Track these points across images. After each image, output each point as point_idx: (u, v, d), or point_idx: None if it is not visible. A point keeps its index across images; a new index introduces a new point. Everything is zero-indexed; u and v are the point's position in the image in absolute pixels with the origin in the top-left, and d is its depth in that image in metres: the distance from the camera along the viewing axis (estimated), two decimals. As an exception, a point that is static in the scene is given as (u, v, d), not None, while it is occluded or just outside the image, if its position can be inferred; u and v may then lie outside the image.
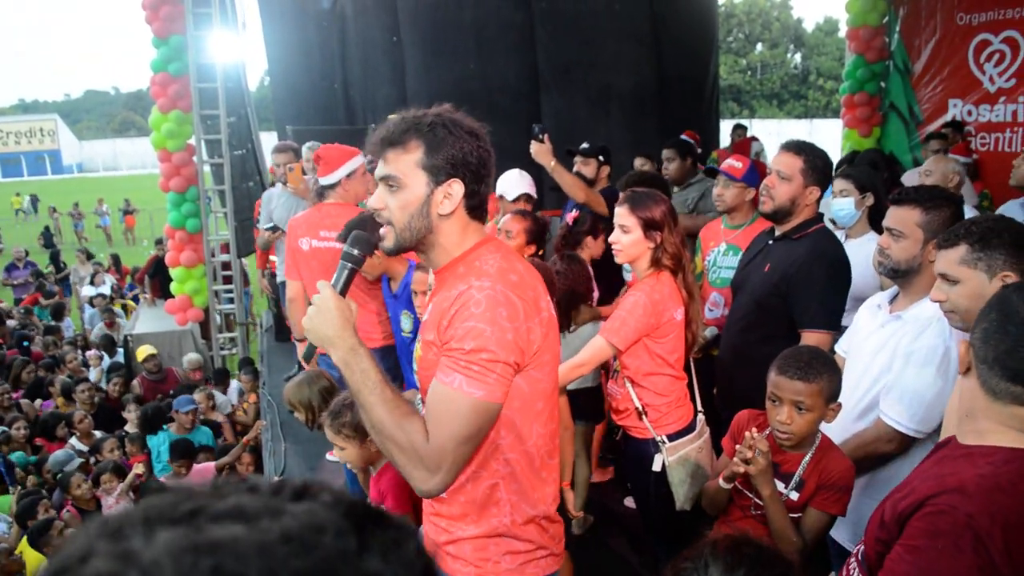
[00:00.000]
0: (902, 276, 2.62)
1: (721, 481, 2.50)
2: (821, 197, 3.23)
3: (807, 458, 2.44)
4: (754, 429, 2.45)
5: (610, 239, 3.10)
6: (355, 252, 1.89)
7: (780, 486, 2.43)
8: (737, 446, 2.40)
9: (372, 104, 9.51)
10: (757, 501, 2.44)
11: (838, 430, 2.66)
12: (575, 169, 5.25)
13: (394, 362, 4.03)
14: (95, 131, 74.62)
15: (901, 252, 2.58)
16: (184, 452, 6.05)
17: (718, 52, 10.85)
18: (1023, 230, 2.19)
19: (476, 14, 8.92)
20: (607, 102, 9.13)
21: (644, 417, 3.03)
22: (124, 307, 12.36)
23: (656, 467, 3.02)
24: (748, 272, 3.41)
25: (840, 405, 2.45)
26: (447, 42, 8.86)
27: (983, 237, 2.15)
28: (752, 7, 50.89)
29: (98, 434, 7.08)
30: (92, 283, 13.52)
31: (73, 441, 6.98)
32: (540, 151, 4.68)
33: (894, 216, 2.65)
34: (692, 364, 3.21)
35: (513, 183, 4.86)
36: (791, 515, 2.41)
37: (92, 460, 6.52)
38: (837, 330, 3.14)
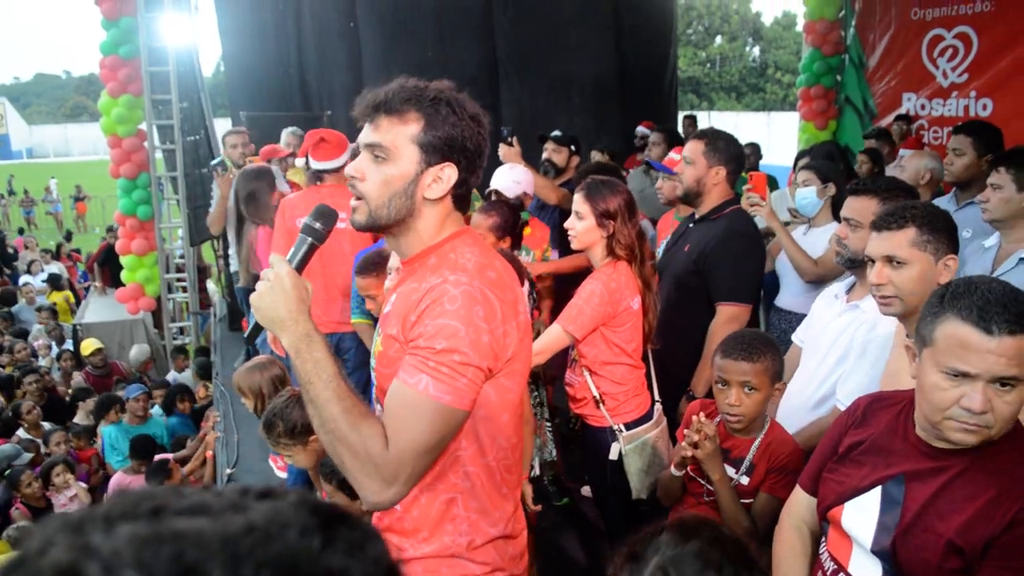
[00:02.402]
0: (860, 266, 2.62)
1: (672, 468, 2.53)
2: (733, 178, 3.40)
3: (756, 442, 2.48)
4: (701, 414, 2.48)
5: (566, 224, 3.11)
6: (317, 225, 1.71)
7: (731, 471, 2.47)
8: (685, 431, 2.44)
9: (328, 90, 9.39)
10: (709, 488, 2.47)
11: (794, 419, 2.67)
12: (545, 156, 5.23)
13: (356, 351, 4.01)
14: (45, 115, 72.76)
15: (859, 242, 2.59)
16: (143, 450, 5.84)
17: (677, 44, 10.90)
18: (951, 218, 2.25)
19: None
20: (568, 91, 9.13)
21: (601, 405, 3.04)
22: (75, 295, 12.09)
23: (613, 455, 3.04)
24: (671, 255, 3.53)
25: (785, 385, 2.53)
26: (405, 28, 8.77)
27: (930, 220, 2.18)
28: (712, 0, 51.24)
29: (47, 426, 6.89)
30: (29, 271, 13.21)
31: (21, 433, 6.80)
32: (509, 154, 4.64)
33: (852, 206, 2.67)
34: (650, 353, 3.22)
35: (512, 179, 4.38)
36: (743, 500, 2.44)
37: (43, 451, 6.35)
38: (752, 303, 3.32)
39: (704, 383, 3.28)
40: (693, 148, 3.40)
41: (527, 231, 4.20)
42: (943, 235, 2.17)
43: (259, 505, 0.54)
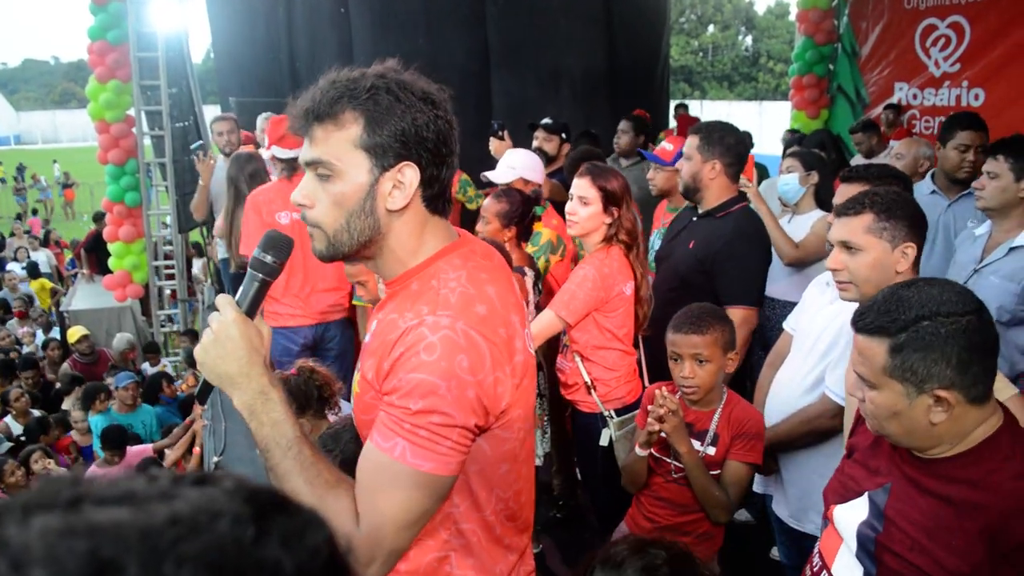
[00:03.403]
0: (852, 253, 2.62)
1: (637, 448, 2.58)
2: (733, 171, 3.35)
3: (718, 413, 2.57)
4: (664, 387, 2.59)
5: (567, 210, 3.07)
6: (268, 259, 1.44)
7: (697, 445, 2.54)
8: (649, 407, 2.51)
9: (318, 77, 9.30)
10: (677, 464, 2.54)
11: (785, 406, 2.68)
12: (536, 144, 5.18)
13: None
14: (34, 102, 72.33)
15: (850, 229, 2.59)
16: (115, 441, 5.61)
17: (670, 33, 10.86)
18: (918, 206, 2.26)
19: (426, -12, 8.77)
20: (558, 81, 9.07)
21: (593, 391, 3.03)
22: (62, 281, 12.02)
23: (603, 441, 3.04)
24: (673, 247, 3.50)
25: (737, 355, 2.64)
26: (396, 16, 8.69)
27: (889, 207, 2.18)
28: (704, -11, 51.20)
29: (36, 413, 6.85)
30: (16, 258, 13.13)
31: (8, 420, 6.75)
32: (500, 148, 4.62)
33: (843, 194, 2.68)
34: (641, 340, 3.21)
35: (505, 164, 4.09)
36: (712, 472, 2.52)
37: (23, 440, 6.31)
38: (760, 306, 3.34)
39: None
40: (689, 143, 3.38)
41: (538, 226, 4.01)
42: (902, 222, 2.17)
43: (189, 493, 0.50)
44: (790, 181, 4.07)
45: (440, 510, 1.41)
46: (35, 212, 22.64)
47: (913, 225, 2.19)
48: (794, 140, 6.65)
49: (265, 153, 4.54)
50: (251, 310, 1.42)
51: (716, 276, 3.23)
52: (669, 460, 2.57)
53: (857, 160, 6.49)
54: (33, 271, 12.24)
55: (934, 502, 1.58)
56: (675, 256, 3.42)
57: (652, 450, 2.57)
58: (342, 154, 1.35)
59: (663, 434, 2.46)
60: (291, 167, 4.27)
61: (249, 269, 1.45)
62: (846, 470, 1.85)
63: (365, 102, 1.34)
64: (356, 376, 1.52)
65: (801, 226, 3.98)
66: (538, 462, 3.62)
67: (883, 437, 1.69)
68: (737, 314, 3.11)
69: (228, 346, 1.36)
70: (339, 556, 0.54)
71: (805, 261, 3.83)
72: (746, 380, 3.51)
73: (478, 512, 1.47)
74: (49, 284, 11.70)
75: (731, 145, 3.34)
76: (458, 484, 1.41)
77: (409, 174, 1.38)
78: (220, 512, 0.49)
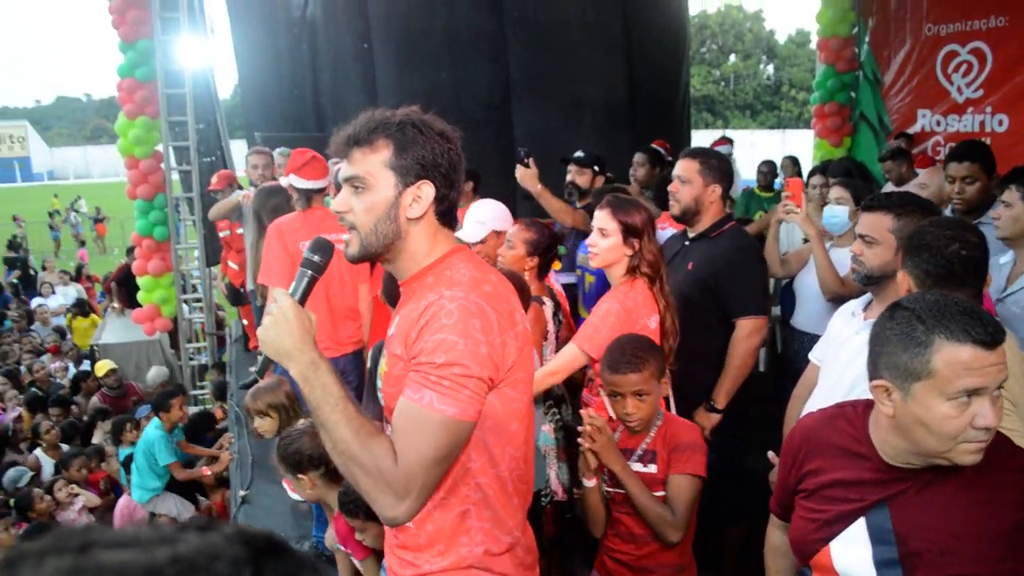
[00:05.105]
0: (876, 283, 2.61)
1: (584, 480, 2.60)
2: (725, 194, 3.50)
3: (652, 432, 2.62)
4: (589, 409, 2.68)
5: (587, 242, 3.09)
6: (316, 258, 1.78)
7: (638, 467, 2.59)
8: (579, 428, 2.55)
9: (342, 111, 9.40)
10: (619, 491, 2.56)
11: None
12: (569, 179, 5.16)
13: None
14: (66, 138, 73.72)
15: (875, 259, 2.58)
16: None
17: (690, 62, 10.90)
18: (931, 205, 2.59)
19: (448, 22, 8.87)
20: (579, 112, 9.12)
21: (590, 409, 3.01)
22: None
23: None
24: (669, 272, 3.48)
25: (669, 378, 2.75)
26: (418, 50, 8.80)
27: (904, 213, 2.52)
28: (725, 19, 51.32)
29: (65, 447, 6.92)
30: (40, 293, 13.31)
31: (39, 453, 6.82)
32: (526, 175, 4.60)
33: (867, 222, 2.65)
34: (668, 374, 3.19)
35: (473, 219, 3.96)
36: (659, 494, 2.53)
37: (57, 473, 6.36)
38: (768, 315, 3.49)
39: (725, 394, 3.34)
40: (688, 167, 3.46)
41: (556, 265, 4.00)
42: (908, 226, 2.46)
43: (191, 537, 0.55)
44: (839, 213, 3.89)
45: (460, 464, 1.68)
46: (83, 244, 23.29)
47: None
48: (816, 169, 6.60)
49: (283, 181, 4.61)
50: (302, 299, 1.74)
51: (722, 292, 3.36)
52: (622, 491, 2.56)
53: (887, 188, 6.43)
54: (81, 308, 12.34)
55: (942, 499, 1.58)
56: (673, 280, 3.42)
57: (606, 486, 2.60)
58: (374, 172, 1.70)
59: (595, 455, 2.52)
60: (307, 197, 4.35)
61: (300, 267, 1.77)
62: (812, 507, 1.78)
63: (395, 132, 1.69)
64: (383, 361, 1.82)
65: (839, 259, 3.71)
66: (566, 496, 3.59)
67: (856, 449, 1.70)
68: (748, 324, 3.31)
69: (285, 327, 1.65)
70: None
71: (847, 298, 3.63)
72: (774, 410, 3.48)
73: (494, 468, 1.73)
74: (99, 319, 11.75)
75: (726, 170, 3.50)
76: (475, 440, 1.68)
77: (426, 190, 1.71)
78: (219, 554, 0.53)
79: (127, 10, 8.27)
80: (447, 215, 1.79)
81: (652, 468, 2.58)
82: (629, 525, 2.59)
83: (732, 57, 52.32)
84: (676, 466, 2.53)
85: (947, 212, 4.11)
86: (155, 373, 8.47)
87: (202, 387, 8.94)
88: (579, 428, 2.54)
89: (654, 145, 6.66)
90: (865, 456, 1.69)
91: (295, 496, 3.81)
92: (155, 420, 5.81)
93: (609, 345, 2.68)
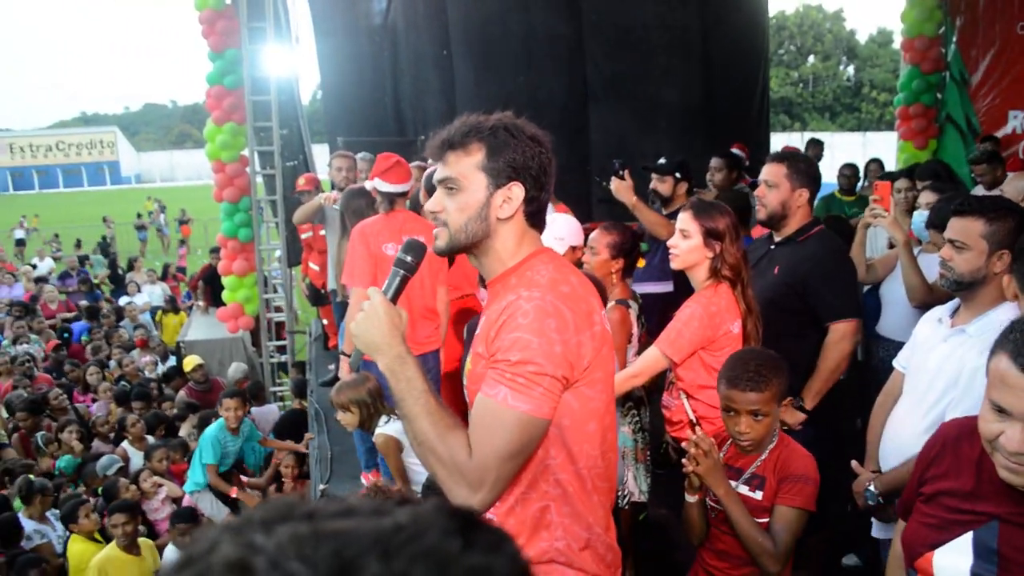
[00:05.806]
0: (966, 288, 2.55)
1: (686, 495, 2.51)
2: (813, 198, 3.44)
3: (763, 455, 2.48)
4: (698, 429, 2.56)
5: (668, 243, 3.10)
6: (408, 259, 1.85)
7: (745, 490, 2.47)
8: (684, 446, 2.45)
9: (422, 117, 9.59)
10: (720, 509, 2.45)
11: (901, 448, 2.60)
12: (651, 186, 5.14)
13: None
14: (153, 143, 76.19)
15: (964, 264, 2.52)
16: (188, 517, 5.37)
17: (768, 64, 10.73)
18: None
19: (525, 27, 8.93)
20: (656, 115, 9.06)
21: (698, 429, 3.00)
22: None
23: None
24: (753, 277, 3.44)
25: (792, 400, 2.62)
26: (496, 55, 8.89)
27: (995, 218, 2.47)
28: (804, 19, 50.28)
29: (150, 439, 7.18)
30: (126, 292, 13.77)
31: (126, 445, 7.09)
32: (621, 188, 4.59)
33: (956, 227, 2.59)
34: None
35: (552, 236, 3.88)
36: (761, 520, 2.40)
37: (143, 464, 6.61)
38: (861, 317, 3.40)
39: (814, 396, 3.24)
40: (775, 172, 3.40)
41: (641, 263, 4.03)
42: (1003, 234, 2.46)
43: (401, 510, 0.58)
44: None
45: (539, 460, 1.73)
46: (182, 243, 24.23)
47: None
48: (901, 172, 6.44)
49: (368, 184, 4.71)
50: (394, 297, 1.82)
51: (812, 296, 3.29)
52: (721, 507, 2.46)
53: (978, 192, 6.24)
54: (172, 305, 12.77)
55: None
56: (759, 285, 3.38)
57: (709, 500, 2.50)
58: (468, 174, 1.75)
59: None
60: (390, 201, 4.42)
61: (394, 267, 1.84)
62: (928, 512, 1.78)
63: (488, 136, 1.75)
64: (467, 358, 1.89)
65: (926, 264, 3.70)
66: (643, 497, 3.61)
67: (988, 463, 1.64)
68: (841, 328, 3.23)
69: (376, 322, 1.73)
70: (529, 567, 0.62)
71: (934, 305, 3.56)
72: (857, 419, 3.43)
73: (573, 465, 1.76)
74: (186, 317, 12.17)
75: (814, 174, 3.46)
76: (554, 437, 1.72)
77: (517, 192, 1.76)
78: (431, 525, 0.57)
79: (216, 21, 8.58)
80: (536, 216, 1.83)
81: (758, 495, 2.46)
82: (728, 544, 2.50)
83: (811, 58, 51.17)
84: (785, 497, 2.41)
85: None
86: (235, 369, 8.73)
87: (281, 384, 9.19)
88: (683, 445, 2.44)
89: (732, 149, 6.60)
90: (988, 470, 1.66)
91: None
92: (221, 420, 6.02)
93: (731, 356, 2.59)
